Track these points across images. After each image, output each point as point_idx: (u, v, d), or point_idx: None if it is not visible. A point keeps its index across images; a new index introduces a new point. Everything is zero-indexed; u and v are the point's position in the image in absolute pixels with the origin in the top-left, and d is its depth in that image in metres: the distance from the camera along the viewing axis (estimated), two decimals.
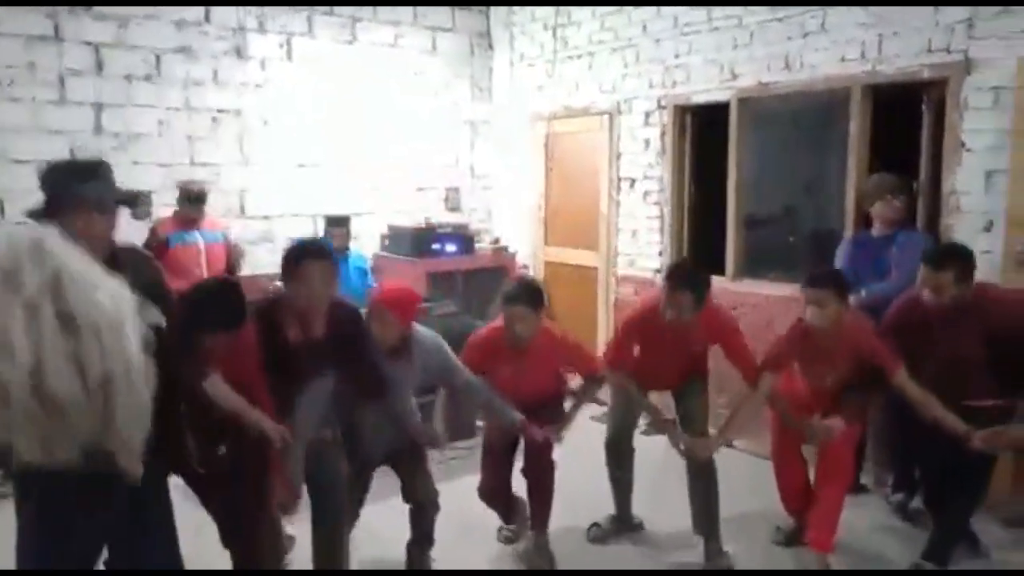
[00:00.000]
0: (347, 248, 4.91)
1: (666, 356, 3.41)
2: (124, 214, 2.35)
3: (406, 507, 3.27)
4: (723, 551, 3.40)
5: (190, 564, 2.96)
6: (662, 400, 3.81)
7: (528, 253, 6.22)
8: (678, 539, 3.55)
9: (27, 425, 1.72)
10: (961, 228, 3.81)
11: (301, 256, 2.64)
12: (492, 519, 3.71)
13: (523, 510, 3.59)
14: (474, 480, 3.98)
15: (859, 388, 3.23)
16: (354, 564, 3.06)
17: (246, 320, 2.41)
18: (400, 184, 5.98)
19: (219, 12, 5.11)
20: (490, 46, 6.43)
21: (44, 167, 2.24)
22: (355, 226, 5.16)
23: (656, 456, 4.02)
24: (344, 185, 5.59)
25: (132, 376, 1.83)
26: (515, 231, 6.29)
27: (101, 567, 2.36)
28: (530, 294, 3.27)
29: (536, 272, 6.11)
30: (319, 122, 5.51)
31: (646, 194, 5.37)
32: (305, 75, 5.49)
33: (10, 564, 2.16)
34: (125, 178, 4.58)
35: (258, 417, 2.45)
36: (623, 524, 3.72)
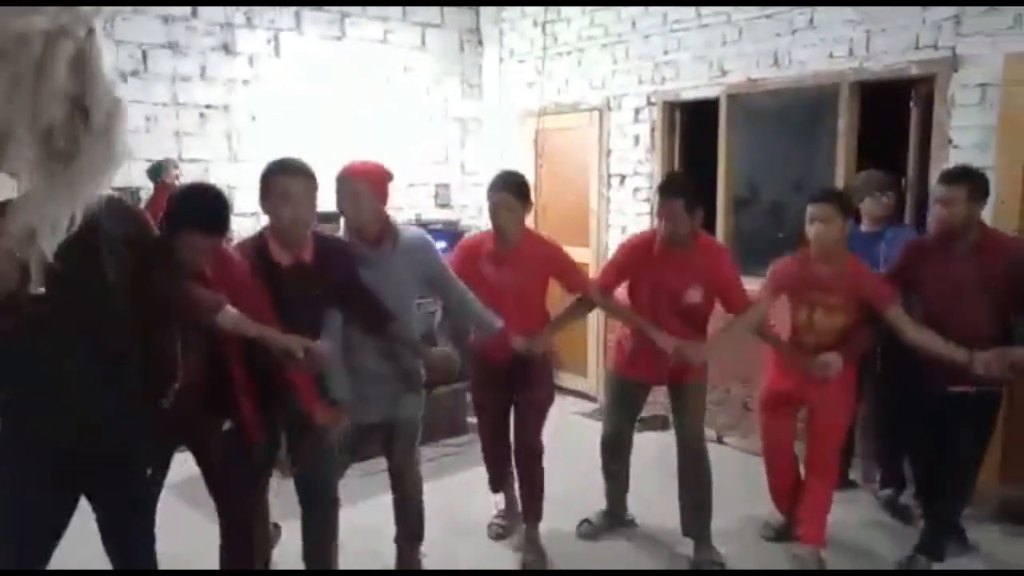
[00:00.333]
0: None
1: (662, 298, 3.25)
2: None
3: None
4: (714, 550, 3.38)
5: (191, 564, 2.97)
6: (656, 398, 3.80)
7: None
8: (672, 536, 3.54)
9: None
10: None
11: (282, 172, 2.52)
12: (483, 515, 3.72)
13: (514, 503, 3.59)
14: (465, 477, 4.00)
15: (855, 331, 3.21)
16: (345, 562, 3.05)
17: (226, 229, 2.34)
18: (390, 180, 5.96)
19: (206, 7, 5.07)
20: (480, 42, 6.42)
21: None
22: (343, 222, 5.14)
23: (649, 453, 4.03)
24: (333, 181, 5.55)
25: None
26: None
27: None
28: (515, 183, 3.20)
29: None
30: (308, 118, 5.48)
31: (636, 190, 5.38)
32: (294, 71, 5.45)
33: None
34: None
35: (278, 336, 2.37)
36: (615, 520, 3.70)
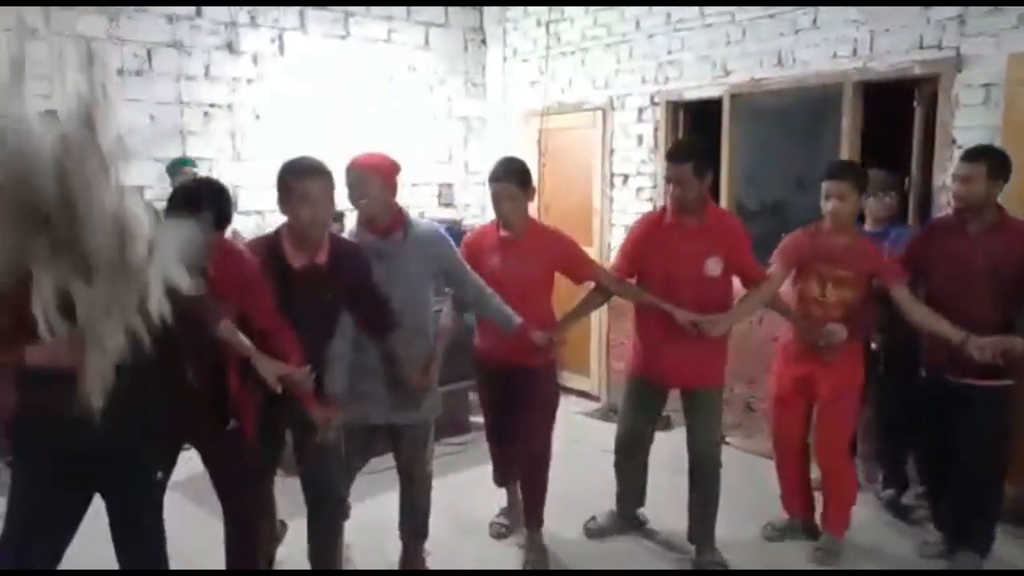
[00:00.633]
0: None
1: (679, 278, 3.16)
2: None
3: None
4: (716, 552, 3.35)
5: (195, 561, 2.97)
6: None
7: None
8: (677, 536, 3.53)
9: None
10: None
11: (301, 174, 2.51)
12: (486, 513, 3.72)
13: (517, 502, 3.59)
14: (468, 475, 3.99)
15: (861, 306, 3.22)
16: (349, 560, 3.05)
17: (227, 222, 2.35)
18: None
19: (211, 7, 5.08)
20: (483, 42, 6.42)
21: None
22: (349, 221, 5.14)
23: (653, 452, 4.02)
24: (337, 180, 5.54)
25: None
26: None
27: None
28: (516, 171, 3.16)
29: None
30: (312, 117, 5.49)
31: (639, 190, 5.38)
32: (298, 70, 5.46)
33: None
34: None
35: (262, 362, 2.38)
36: (625, 521, 3.63)
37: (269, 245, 2.61)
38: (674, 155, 3.15)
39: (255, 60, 5.30)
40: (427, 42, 6.11)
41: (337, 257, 2.64)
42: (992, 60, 3.70)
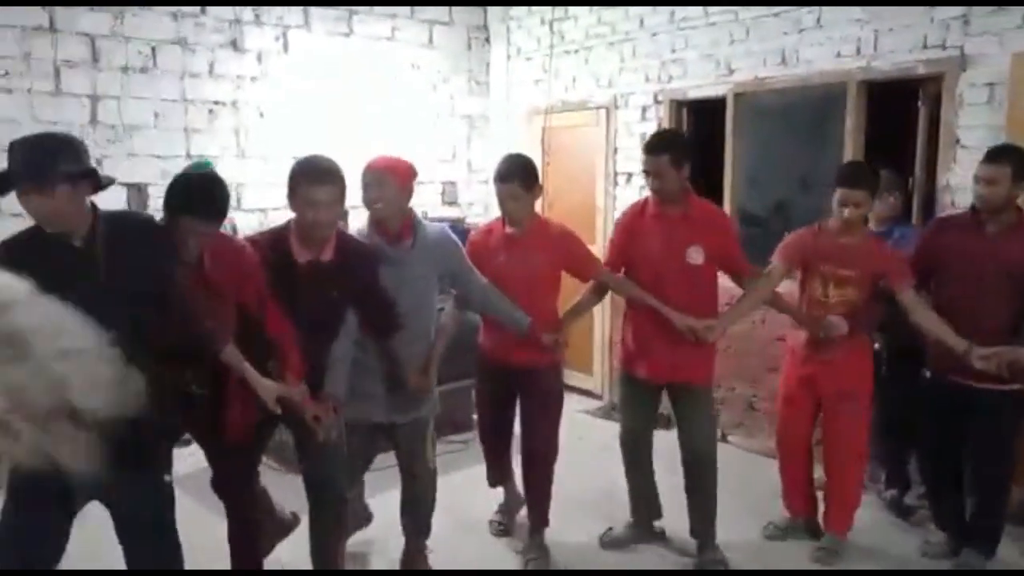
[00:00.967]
0: None
1: (664, 266, 3.16)
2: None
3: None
4: (718, 550, 3.35)
5: (198, 557, 2.97)
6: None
7: None
8: (677, 536, 3.52)
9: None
10: None
11: (310, 179, 2.50)
12: (487, 512, 3.72)
13: (515, 498, 3.58)
14: (469, 473, 3.99)
15: (864, 307, 3.21)
16: (351, 558, 3.06)
17: (223, 214, 2.36)
18: None
19: (215, 5, 5.09)
20: (487, 40, 6.42)
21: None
22: (352, 219, 5.16)
23: (657, 453, 4.01)
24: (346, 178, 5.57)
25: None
26: None
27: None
28: (521, 170, 3.14)
29: None
30: (316, 115, 5.50)
31: (642, 188, 5.36)
32: (302, 68, 5.47)
33: None
34: (120, 170, 4.61)
35: (260, 382, 2.40)
36: (640, 533, 3.55)
37: (276, 239, 2.63)
38: (650, 147, 3.15)
39: (259, 58, 5.30)
40: (431, 40, 6.11)
41: (344, 255, 2.64)
42: (996, 59, 3.69)
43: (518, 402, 3.37)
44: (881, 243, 3.28)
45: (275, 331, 2.49)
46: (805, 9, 4.37)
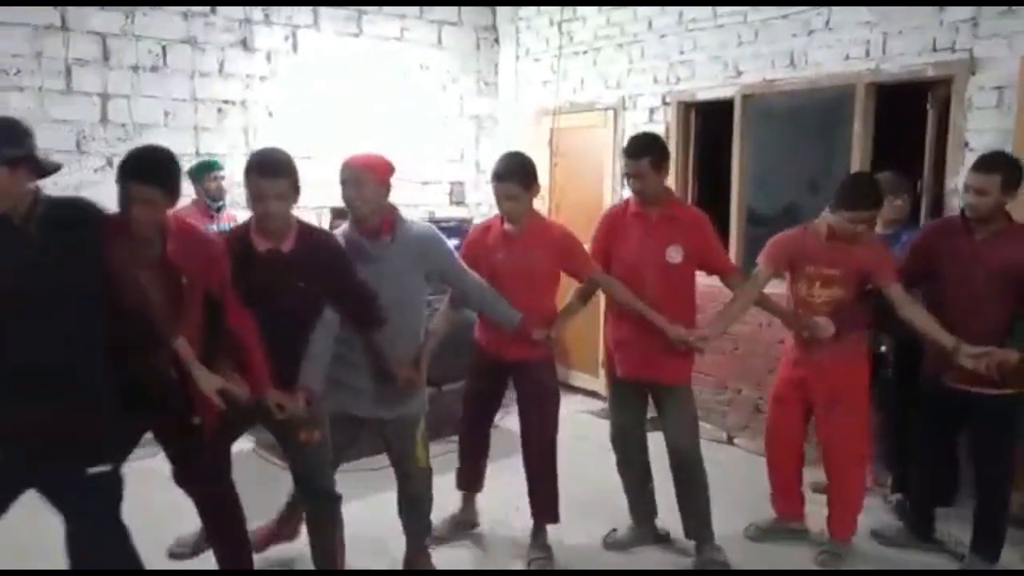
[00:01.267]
0: None
1: (643, 265, 3.19)
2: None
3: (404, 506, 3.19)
4: (717, 550, 3.35)
5: (196, 559, 2.99)
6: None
7: None
8: (676, 536, 3.52)
9: None
10: None
11: (257, 172, 2.56)
12: (489, 511, 3.72)
13: (472, 514, 3.59)
14: None
15: (851, 307, 3.23)
16: (353, 557, 3.06)
17: (171, 188, 2.36)
18: (405, 178, 5.98)
19: (225, 5, 5.12)
20: (496, 41, 6.43)
21: None
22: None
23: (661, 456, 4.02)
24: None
25: None
26: None
27: None
28: (520, 169, 3.17)
29: None
30: (324, 115, 5.52)
31: None
32: (311, 68, 5.50)
33: None
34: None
35: (203, 377, 2.41)
36: (644, 534, 3.54)
37: (240, 230, 2.70)
38: (631, 151, 3.18)
39: (269, 57, 5.33)
40: (440, 41, 6.13)
41: (305, 245, 2.66)
42: (1005, 63, 3.67)
43: (516, 402, 3.38)
44: (866, 241, 3.26)
45: (234, 321, 2.51)
46: (814, 11, 4.36)
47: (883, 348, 3.70)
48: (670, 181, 5.07)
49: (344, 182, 2.85)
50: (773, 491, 3.57)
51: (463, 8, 6.21)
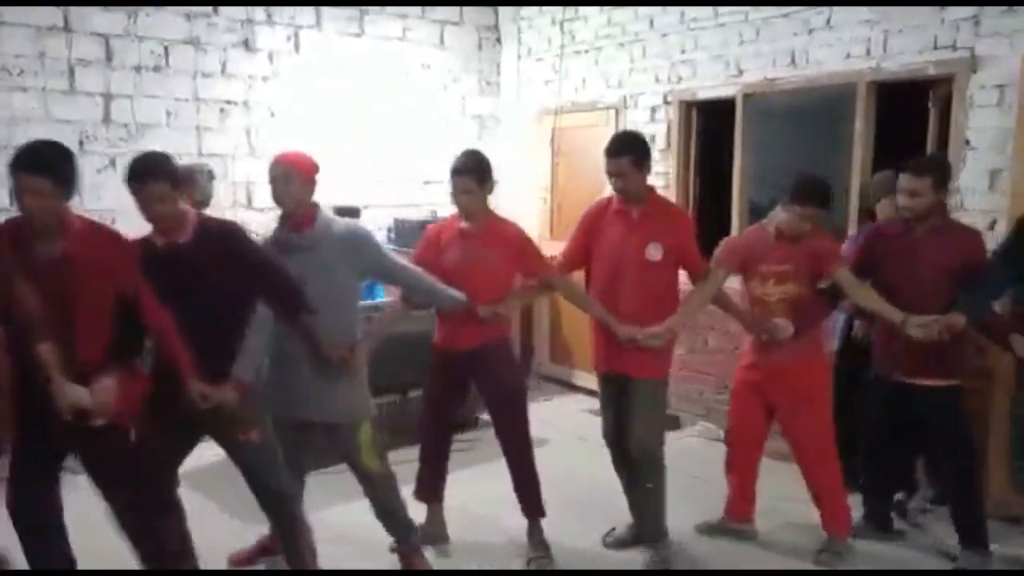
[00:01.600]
0: None
1: (622, 264, 3.20)
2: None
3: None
4: (662, 548, 3.32)
5: (202, 553, 3.00)
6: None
7: None
8: (676, 536, 3.50)
9: None
10: None
11: (129, 176, 2.56)
12: (490, 510, 3.72)
13: (439, 525, 3.52)
14: (473, 472, 3.99)
15: (808, 303, 3.28)
16: (353, 560, 3.06)
17: (61, 177, 2.37)
18: (407, 177, 6.00)
19: (227, 5, 5.13)
20: (498, 40, 6.44)
21: None
22: (362, 218, 5.18)
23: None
24: (351, 178, 5.58)
25: None
26: (521, 224, 6.27)
27: None
28: (476, 166, 3.25)
29: None
30: (326, 115, 5.53)
31: None
32: (313, 68, 5.51)
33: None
34: None
35: (63, 389, 2.39)
36: (643, 532, 3.48)
37: (149, 233, 2.70)
38: (611, 150, 3.22)
39: (271, 57, 5.35)
40: (442, 40, 6.14)
41: (202, 236, 2.65)
42: (1007, 61, 3.67)
43: (483, 403, 3.39)
44: (813, 237, 3.27)
45: (151, 318, 2.51)
46: (815, 10, 4.36)
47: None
48: (670, 181, 5.15)
49: (273, 179, 2.94)
50: (734, 504, 3.56)
51: (465, 8, 6.22)
